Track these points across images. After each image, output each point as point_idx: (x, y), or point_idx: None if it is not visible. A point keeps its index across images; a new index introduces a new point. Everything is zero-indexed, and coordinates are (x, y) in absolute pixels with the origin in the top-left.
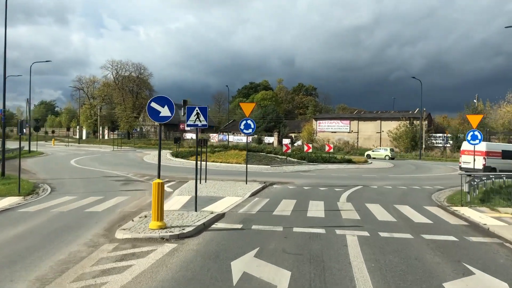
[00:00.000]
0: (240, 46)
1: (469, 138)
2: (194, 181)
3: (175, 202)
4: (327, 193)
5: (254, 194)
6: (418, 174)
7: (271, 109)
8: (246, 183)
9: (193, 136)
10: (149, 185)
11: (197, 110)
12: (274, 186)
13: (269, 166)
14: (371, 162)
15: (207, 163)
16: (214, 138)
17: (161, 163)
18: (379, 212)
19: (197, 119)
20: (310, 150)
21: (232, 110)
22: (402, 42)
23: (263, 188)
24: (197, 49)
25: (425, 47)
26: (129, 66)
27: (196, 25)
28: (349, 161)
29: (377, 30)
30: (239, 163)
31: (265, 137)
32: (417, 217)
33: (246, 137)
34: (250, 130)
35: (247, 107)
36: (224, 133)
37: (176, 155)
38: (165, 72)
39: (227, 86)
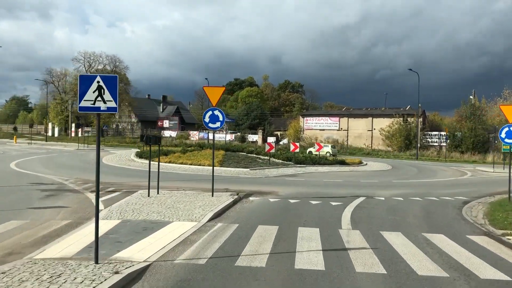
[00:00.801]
0: (227, 44)
1: (503, 135)
2: (147, 190)
3: (83, 235)
4: (321, 210)
5: (217, 215)
6: (425, 178)
7: (256, 106)
8: (213, 195)
9: (172, 133)
10: (82, 198)
11: (98, 83)
12: (251, 198)
13: (249, 169)
14: (366, 164)
15: (175, 165)
16: (195, 136)
17: (120, 166)
18: (408, 251)
19: (99, 99)
20: (297, 150)
21: (217, 106)
22: (389, 41)
23: (234, 203)
24: (184, 47)
25: (411, 46)
26: (102, 58)
27: (183, 22)
28: (342, 163)
29: (364, 29)
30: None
31: (249, 135)
32: (474, 262)
33: (228, 134)
34: (217, 124)
35: (214, 93)
36: (207, 131)
37: (140, 155)
38: (151, 69)
39: (206, 79)
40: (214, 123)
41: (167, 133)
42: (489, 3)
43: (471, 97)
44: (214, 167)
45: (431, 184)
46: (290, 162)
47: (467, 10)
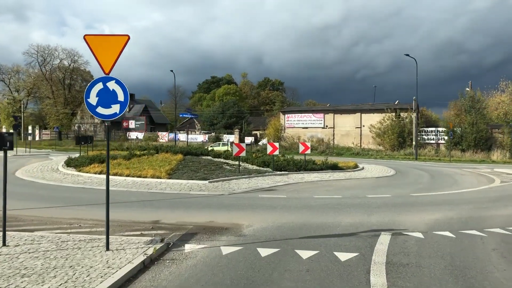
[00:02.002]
0: (208, 44)
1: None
2: None
3: None
4: (322, 280)
5: None
6: (449, 189)
7: (232, 103)
8: (108, 248)
9: (139, 135)
10: None
11: None
12: (187, 249)
13: (207, 182)
14: (362, 167)
15: (102, 176)
16: (164, 137)
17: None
18: None
19: None
20: (277, 152)
21: (193, 105)
22: (369, 41)
23: (144, 267)
24: (165, 48)
25: (391, 45)
26: (58, 52)
27: (164, 23)
28: (334, 167)
29: (345, 28)
30: (159, 177)
31: (224, 135)
32: None
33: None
34: (114, 109)
35: (105, 46)
36: (182, 131)
37: (68, 163)
38: (132, 71)
39: (171, 70)
40: (108, 106)
41: (133, 135)
42: (468, 1)
43: (467, 89)
44: (159, 179)
45: (468, 200)
46: (267, 169)
47: (446, 8)
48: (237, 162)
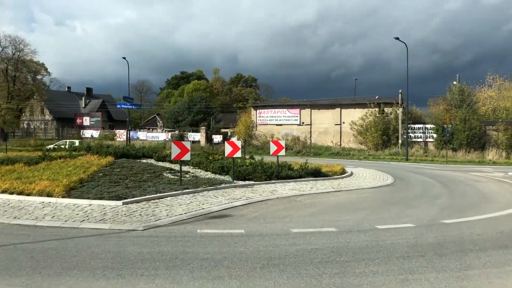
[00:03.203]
0: (184, 42)
1: None
2: None
3: None
4: None
5: None
6: (492, 208)
7: (199, 98)
8: None
9: (95, 132)
10: None
11: None
12: None
13: (120, 203)
14: (351, 173)
15: None
16: (121, 135)
17: None
18: None
19: None
20: (237, 155)
21: (159, 102)
22: (345, 40)
23: None
24: (139, 46)
25: (365, 45)
26: (0, 39)
27: (138, 20)
28: (316, 173)
29: (320, 28)
30: (51, 194)
31: (190, 133)
32: None
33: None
34: None
35: None
36: (143, 129)
37: None
38: (105, 69)
39: (124, 58)
40: None
41: (88, 133)
42: (441, 3)
43: (454, 82)
44: (50, 198)
45: None
46: (225, 177)
47: (420, 9)
48: (186, 168)
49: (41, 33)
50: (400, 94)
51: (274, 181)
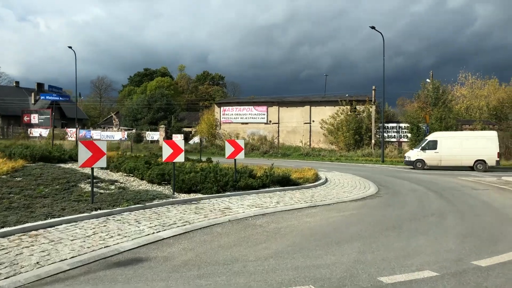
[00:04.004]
0: (152, 41)
1: None
2: None
3: None
4: None
5: None
6: None
7: (160, 95)
8: None
9: (44, 131)
10: None
11: None
12: None
13: None
14: (326, 180)
15: None
16: (73, 134)
17: None
18: None
19: None
20: (179, 159)
21: (121, 100)
22: (313, 41)
23: None
24: (106, 44)
25: (333, 46)
26: None
27: (105, 18)
28: (284, 181)
29: (290, 28)
30: None
31: (148, 132)
32: None
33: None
34: None
35: None
36: (102, 128)
37: None
38: (70, 68)
39: (70, 47)
40: None
41: (36, 131)
42: (407, 5)
43: (428, 80)
44: None
45: None
46: (164, 189)
47: (386, 12)
48: (117, 175)
49: (2, 29)
50: (373, 91)
51: (229, 193)
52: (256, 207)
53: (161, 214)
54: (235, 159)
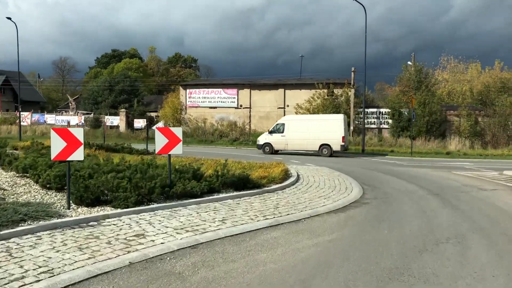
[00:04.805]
0: (126, 23)
1: None
2: None
3: None
4: None
5: None
6: None
7: (123, 76)
8: None
9: None
10: None
11: None
12: None
13: None
14: (297, 177)
15: None
16: (25, 118)
17: None
18: None
19: None
20: (75, 157)
21: (86, 83)
22: (291, 26)
23: None
24: (78, 25)
25: (311, 31)
26: None
27: None
28: (241, 184)
29: (268, 13)
30: None
31: (107, 117)
32: None
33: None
34: None
35: None
36: (58, 112)
37: None
38: (40, 49)
39: (9, 18)
40: None
41: None
42: None
43: (409, 63)
44: None
45: None
46: (56, 202)
47: None
48: (7, 177)
49: None
50: (352, 73)
51: (156, 205)
52: (187, 231)
53: (14, 254)
54: (169, 155)
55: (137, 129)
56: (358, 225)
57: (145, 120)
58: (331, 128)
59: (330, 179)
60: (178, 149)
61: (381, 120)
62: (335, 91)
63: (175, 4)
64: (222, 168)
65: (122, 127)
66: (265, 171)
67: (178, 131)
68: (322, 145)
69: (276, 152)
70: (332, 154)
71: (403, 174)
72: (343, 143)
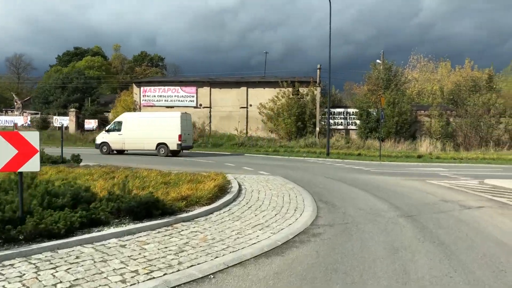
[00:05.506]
0: (97, 21)
1: None
2: None
3: None
4: None
5: None
6: None
7: (77, 73)
8: None
9: None
10: None
11: None
12: None
13: None
14: (238, 190)
15: None
16: None
17: None
18: None
19: None
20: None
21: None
22: (265, 27)
23: None
24: (47, 23)
25: (285, 33)
26: None
27: None
28: (147, 212)
29: (241, 13)
30: None
31: (55, 117)
32: None
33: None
34: None
35: None
36: (7, 111)
37: None
38: (6, 47)
39: None
40: None
41: None
42: None
43: (378, 61)
44: None
45: None
46: None
47: None
48: None
49: None
50: (318, 70)
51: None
52: None
53: None
54: (20, 173)
55: (88, 131)
56: (296, 284)
57: (96, 120)
58: (168, 127)
59: (280, 194)
60: (33, 164)
61: (348, 120)
62: (301, 90)
63: (147, 4)
64: (119, 187)
65: (72, 128)
66: (191, 188)
67: (33, 138)
68: (159, 144)
69: (121, 152)
70: (168, 154)
71: (370, 184)
72: (179, 142)
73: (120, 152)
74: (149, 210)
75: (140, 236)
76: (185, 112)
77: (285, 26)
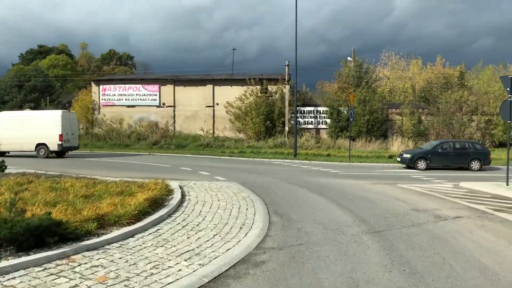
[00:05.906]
0: (69, 21)
1: None
2: None
3: None
4: None
5: None
6: None
7: (35, 71)
8: None
9: None
10: None
11: None
12: None
13: None
14: (175, 207)
15: None
16: None
17: None
18: None
19: None
20: None
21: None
22: (240, 26)
23: None
24: (15, 22)
25: (259, 32)
26: None
27: None
28: (40, 240)
29: (216, 12)
30: None
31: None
32: None
33: None
34: None
35: None
36: None
37: None
38: None
39: None
40: None
41: None
42: None
43: (349, 58)
44: None
45: None
46: None
47: None
48: None
49: None
50: (287, 67)
51: None
52: None
53: None
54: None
55: None
56: None
57: None
58: (49, 126)
59: (228, 206)
60: None
61: (319, 119)
62: (269, 87)
63: (119, 3)
64: (7, 206)
65: None
66: (114, 202)
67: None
68: (38, 144)
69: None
70: (49, 155)
71: (335, 190)
72: (60, 142)
73: (1, 154)
74: (41, 237)
75: (14, 278)
76: (68, 111)
77: (260, 25)
